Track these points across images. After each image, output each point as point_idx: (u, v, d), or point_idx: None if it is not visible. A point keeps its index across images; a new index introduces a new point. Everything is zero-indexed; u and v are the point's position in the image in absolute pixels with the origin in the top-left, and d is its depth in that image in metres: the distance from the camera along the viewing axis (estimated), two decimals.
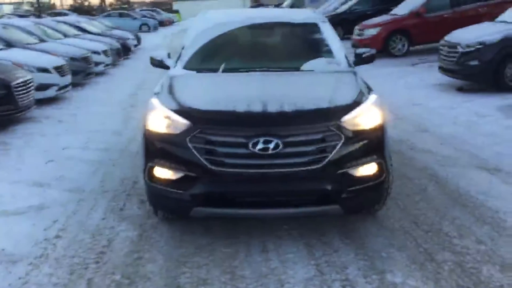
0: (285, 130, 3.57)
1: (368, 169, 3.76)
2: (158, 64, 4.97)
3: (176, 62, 4.85)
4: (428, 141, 6.57)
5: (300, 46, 5.20)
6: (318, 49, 4.99)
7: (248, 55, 4.99)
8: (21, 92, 7.76)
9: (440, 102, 8.66)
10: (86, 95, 11.18)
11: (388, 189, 4.07)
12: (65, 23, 17.36)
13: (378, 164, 3.79)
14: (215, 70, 4.61)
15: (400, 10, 15.44)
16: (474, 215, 4.29)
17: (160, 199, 3.86)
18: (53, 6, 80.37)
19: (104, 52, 14.47)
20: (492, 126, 6.98)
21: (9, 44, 11.08)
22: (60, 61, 10.36)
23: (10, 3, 71.79)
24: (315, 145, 3.57)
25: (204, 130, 3.60)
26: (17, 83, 7.69)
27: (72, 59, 11.73)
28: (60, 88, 10.06)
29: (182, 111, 3.79)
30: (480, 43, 8.91)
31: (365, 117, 3.80)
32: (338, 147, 3.59)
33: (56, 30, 15.17)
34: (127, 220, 4.34)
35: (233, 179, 3.57)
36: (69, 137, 7.26)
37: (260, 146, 3.50)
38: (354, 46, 15.52)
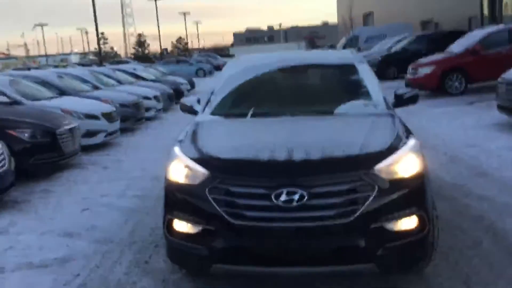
0: (310, 180, 3.26)
1: (407, 222, 3.35)
2: (188, 109, 4.82)
3: (204, 107, 4.68)
4: (485, 186, 6.01)
5: (335, 88, 4.90)
6: (354, 91, 4.67)
7: (280, 99, 4.74)
8: (66, 139, 7.86)
9: (499, 143, 8.03)
10: (135, 140, 11.28)
11: (434, 244, 3.62)
12: (120, 70, 17.95)
13: (419, 217, 3.37)
14: (243, 115, 4.39)
15: (456, 48, 14.89)
16: None
17: (179, 254, 3.59)
18: (117, 55, 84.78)
19: (156, 97, 14.73)
20: None
21: (62, 92, 11.46)
22: (109, 108, 10.55)
23: (77, 53, 76.35)
24: (345, 196, 3.22)
25: (224, 180, 3.34)
26: (62, 131, 7.80)
27: (122, 105, 11.96)
28: (108, 134, 10.19)
29: (202, 160, 3.56)
30: None
31: (402, 165, 3.42)
32: (371, 198, 3.22)
33: (111, 78, 15.66)
34: (150, 274, 4.10)
35: (255, 234, 3.27)
36: (110, 184, 7.21)
37: (283, 197, 3.20)
38: (408, 85, 15.06)
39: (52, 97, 10.54)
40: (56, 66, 32.90)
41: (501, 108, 9.20)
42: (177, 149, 3.81)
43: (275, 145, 3.58)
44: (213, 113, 4.54)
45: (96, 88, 13.34)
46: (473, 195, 5.72)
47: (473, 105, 12.24)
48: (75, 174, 7.90)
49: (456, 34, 18.12)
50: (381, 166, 3.34)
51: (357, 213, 3.20)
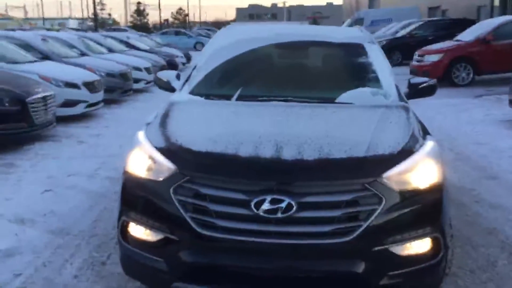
0: (301, 187, 2.58)
1: (419, 246, 2.70)
2: (164, 86, 4.10)
3: (183, 85, 3.95)
4: (497, 192, 5.37)
5: (339, 71, 4.17)
6: (361, 76, 3.96)
7: (273, 80, 4.01)
8: (38, 109, 7.13)
9: (510, 143, 7.36)
10: (119, 113, 10.55)
11: (446, 269, 2.98)
12: (112, 38, 17.09)
13: (434, 239, 2.72)
14: (228, 97, 3.68)
15: (466, 36, 14.15)
16: None
17: (134, 265, 2.91)
18: (117, 22, 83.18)
19: (146, 69, 13.93)
20: None
21: (46, 57, 10.67)
22: (92, 77, 9.80)
23: (75, 18, 74.79)
24: (344, 209, 2.55)
25: (193, 179, 2.66)
26: (34, 99, 7.06)
27: (109, 74, 11.23)
28: (90, 105, 9.45)
29: (169, 151, 2.87)
30: None
31: (417, 173, 2.75)
32: (376, 213, 2.56)
33: (101, 45, 14.83)
34: (104, 280, 3.44)
35: (227, 249, 2.61)
36: (82, 161, 6.52)
37: (266, 206, 2.53)
38: (413, 72, 14.38)
39: (32, 61, 9.74)
40: (48, 29, 31.82)
41: None
42: (141, 135, 3.11)
43: (261, 138, 2.88)
44: (192, 92, 3.82)
45: (83, 54, 12.54)
46: (484, 202, 5.08)
47: (481, 98, 11.54)
48: (46, 148, 7.20)
49: (465, 22, 17.44)
50: (391, 173, 2.66)
51: (358, 231, 2.54)
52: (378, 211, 2.56)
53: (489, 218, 4.64)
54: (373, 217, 2.55)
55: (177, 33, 39.50)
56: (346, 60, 4.22)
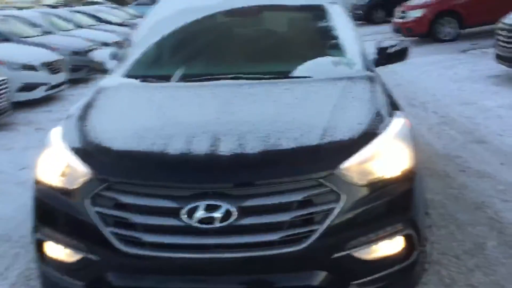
0: (242, 188, 2.12)
1: (389, 247, 2.26)
2: (99, 68, 3.60)
3: (117, 66, 3.42)
4: (485, 158, 4.94)
5: (297, 40, 3.61)
6: (322, 44, 3.45)
7: (222, 54, 3.46)
8: None
9: (498, 101, 6.90)
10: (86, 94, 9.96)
11: (424, 266, 2.56)
12: (81, 12, 16.28)
13: (406, 237, 2.28)
14: (169, 79, 3.15)
15: None
16: None
17: None
18: None
19: (117, 43, 13.23)
20: None
21: (4, 38, 10.00)
22: (52, 56, 9.16)
23: None
24: (295, 211, 2.10)
25: (113, 185, 2.19)
26: None
27: (75, 52, 10.59)
28: (51, 88, 8.85)
29: (85, 152, 2.38)
30: None
31: (383, 160, 2.28)
32: (334, 213, 2.11)
33: (69, 21, 14.08)
34: None
35: (157, 268, 2.16)
36: (38, 152, 5.94)
37: (200, 214, 2.07)
38: (396, 30, 13.83)
39: None
40: (20, 8, 30.58)
41: (500, 58, 8.01)
42: (55, 132, 2.62)
43: (196, 130, 2.39)
44: (127, 75, 3.29)
45: (46, 33, 11.83)
46: (470, 170, 4.65)
47: (466, 53, 11.03)
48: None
49: None
50: (350, 163, 2.19)
51: (313, 238, 2.10)
52: (337, 210, 2.11)
53: (477, 190, 4.21)
54: (330, 219, 2.11)
55: (154, 2, 38.24)
56: (304, 26, 3.69)
